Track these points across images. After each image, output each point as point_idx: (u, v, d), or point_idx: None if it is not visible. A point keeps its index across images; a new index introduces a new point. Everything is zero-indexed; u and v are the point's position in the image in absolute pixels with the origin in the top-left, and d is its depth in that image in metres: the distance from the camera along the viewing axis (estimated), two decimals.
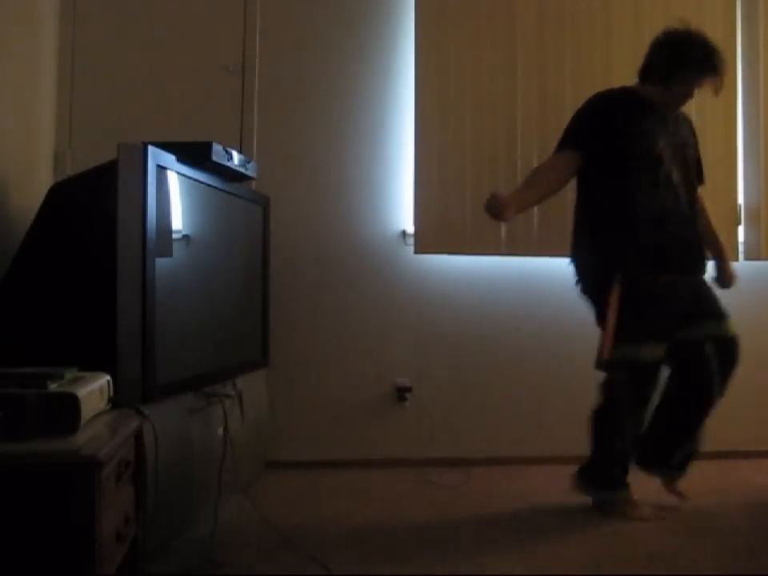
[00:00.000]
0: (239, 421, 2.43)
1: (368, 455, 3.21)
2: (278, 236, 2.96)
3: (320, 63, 3.26)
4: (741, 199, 3.42)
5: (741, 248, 3.41)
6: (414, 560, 2.16)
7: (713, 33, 3.37)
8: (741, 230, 3.42)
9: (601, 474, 2.61)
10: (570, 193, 3.28)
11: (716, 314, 2.63)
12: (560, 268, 3.30)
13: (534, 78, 3.28)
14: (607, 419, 2.57)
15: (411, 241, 3.23)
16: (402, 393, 3.26)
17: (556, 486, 2.88)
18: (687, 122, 2.73)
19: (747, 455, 3.34)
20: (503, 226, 3.26)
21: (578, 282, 2.62)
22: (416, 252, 3.22)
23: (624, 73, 3.30)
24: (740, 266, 3.39)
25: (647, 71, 2.58)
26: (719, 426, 3.38)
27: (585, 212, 2.63)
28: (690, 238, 2.60)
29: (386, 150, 3.29)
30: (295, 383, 3.19)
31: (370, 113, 3.28)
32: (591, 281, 2.58)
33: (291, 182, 3.21)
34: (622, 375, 2.50)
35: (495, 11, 3.29)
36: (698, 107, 3.36)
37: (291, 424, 3.17)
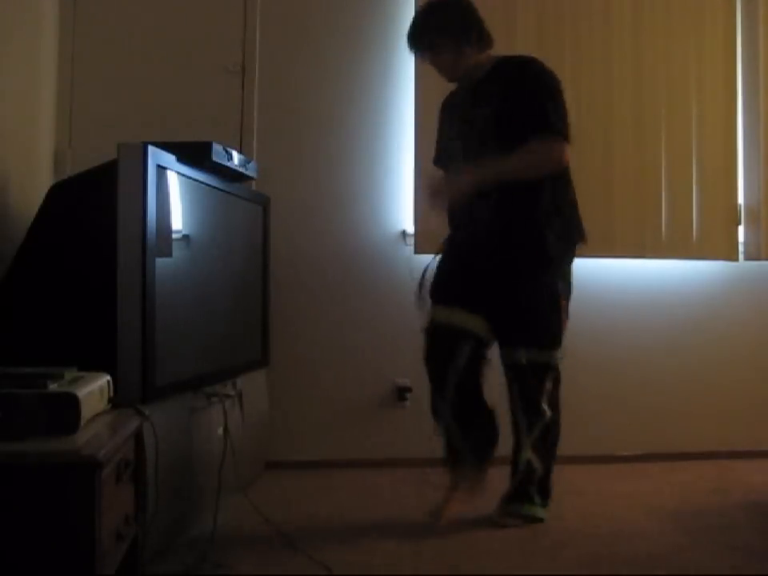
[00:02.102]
0: (239, 421, 2.43)
1: (368, 455, 3.21)
2: (277, 236, 2.96)
3: (320, 63, 3.26)
4: (741, 199, 3.42)
5: (741, 248, 3.41)
6: (414, 560, 2.16)
7: (713, 33, 3.41)
8: (741, 229, 3.42)
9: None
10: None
11: (517, 337, 2.46)
12: None
13: None
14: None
15: (411, 241, 3.23)
16: (402, 393, 3.26)
17: (556, 486, 2.88)
18: (500, 76, 2.42)
19: (747, 455, 3.34)
20: None
21: None
22: (416, 252, 3.22)
23: (624, 73, 3.32)
24: (740, 266, 3.40)
25: None
26: (719, 426, 3.39)
27: None
28: (472, 231, 2.47)
29: (386, 149, 3.29)
30: (295, 383, 3.19)
31: (370, 112, 3.29)
32: None
33: (291, 182, 3.21)
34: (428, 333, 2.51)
35: (495, 11, 3.29)
36: (698, 107, 3.37)
37: (291, 424, 3.17)
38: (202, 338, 2.28)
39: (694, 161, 3.36)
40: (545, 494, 2.49)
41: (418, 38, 2.49)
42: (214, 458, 2.20)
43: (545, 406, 2.48)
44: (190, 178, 2.18)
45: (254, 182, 2.86)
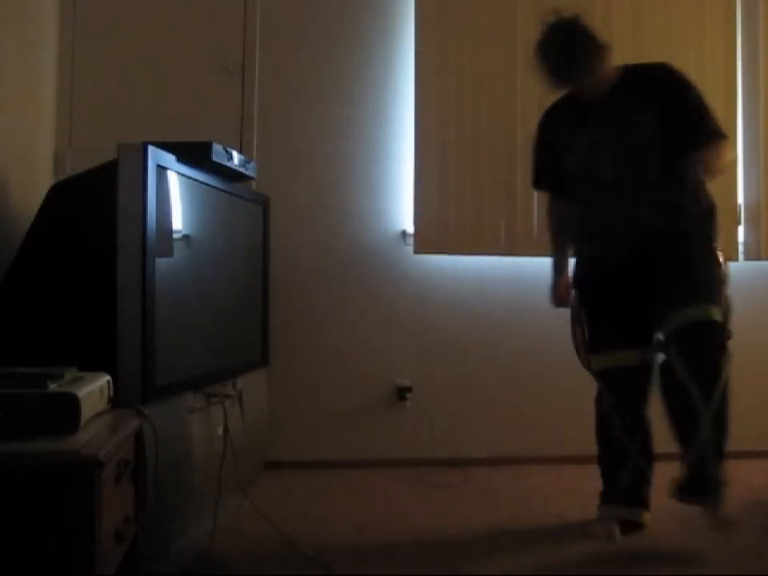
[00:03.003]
0: (239, 421, 2.43)
1: (368, 455, 3.21)
2: (278, 236, 2.96)
3: (320, 63, 3.26)
4: (741, 199, 3.42)
5: (741, 248, 3.40)
6: (414, 560, 2.17)
7: (713, 33, 3.41)
8: (741, 229, 3.42)
9: (611, 489, 2.42)
10: None
11: (681, 300, 2.20)
12: None
13: (533, 77, 3.27)
14: (599, 433, 2.47)
15: (411, 241, 3.24)
16: (402, 393, 3.26)
17: (556, 486, 2.88)
18: (648, 81, 2.36)
19: (747, 455, 3.34)
20: (503, 226, 3.26)
21: None
22: (416, 252, 3.22)
23: None
24: (740, 266, 3.40)
25: None
26: None
27: None
28: (632, 236, 2.34)
29: (386, 149, 3.29)
30: (295, 383, 3.19)
31: (370, 113, 3.29)
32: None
33: (291, 182, 3.21)
34: (599, 387, 2.46)
35: (495, 11, 3.29)
36: None
37: (291, 424, 3.17)
38: (202, 337, 2.28)
39: None
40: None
41: (578, 63, 2.29)
42: (214, 458, 2.20)
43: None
44: (189, 177, 2.18)
45: (253, 182, 2.86)
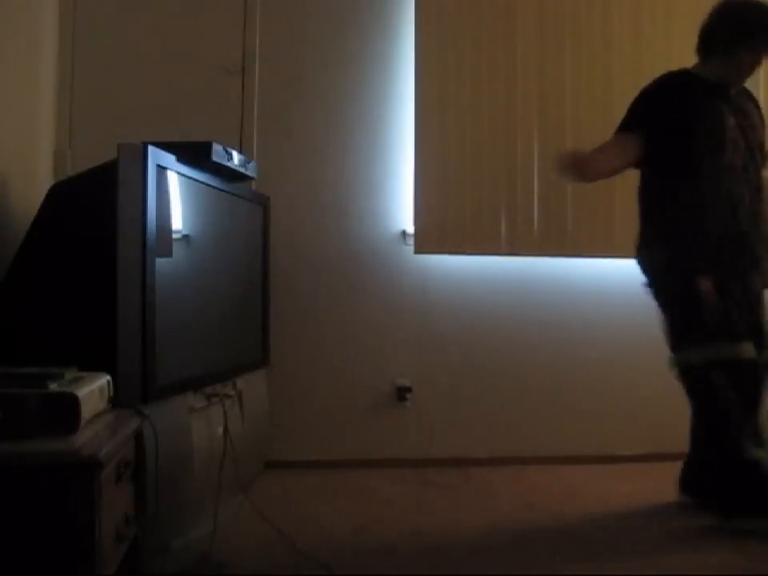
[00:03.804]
0: (239, 421, 2.43)
1: (368, 455, 3.21)
2: (277, 236, 2.96)
3: (320, 63, 3.26)
4: None
5: None
6: (414, 560, 2.16)
7: None
8: None
9: (741, 498, 2.28)
10: (570, 191, 3.30)
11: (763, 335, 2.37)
12: (560, 268, 3.31)
13: (533, 77, 3.29)
14: (720, 431, 2.30)
15: (411, 241, 3.24)
16: (402, 393, 3.26)
17: (556, 486, 2.88)
18: (752, 100, 2.58)
19: None
20: (503, 226, 3.26)
21: (649, 282, 2.45)
22: (416, 252, 3.22)
23: (624, 72, 3.32)
24: None
25: (708, 45, 2.46)
26: None
27: (650, 204, 2.49)
28: (753, 231, 2.41)
29: (386, 150, 3.29)
30: (295, 383, 3.19)
31: (370, 113, 3.28)
32: (666, 277, 2.40)
33: (291, 182, 3.21)
34: (721, 378, 2.26)
35: (495, 11, 3.29)
36: None
37: (291, 424, 3.17)
38: (202, 338, 2.28)
39: None
40: None
41: None
42: (214, 458, 2.20)
43: None
44: (190, 178, 2.18)
45: (253, 182, 2.86)
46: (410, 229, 3.25)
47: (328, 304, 3.25)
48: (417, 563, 2.14)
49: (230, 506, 2.39)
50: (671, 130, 2.38)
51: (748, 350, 2.29)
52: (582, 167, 2.33)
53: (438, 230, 3.22)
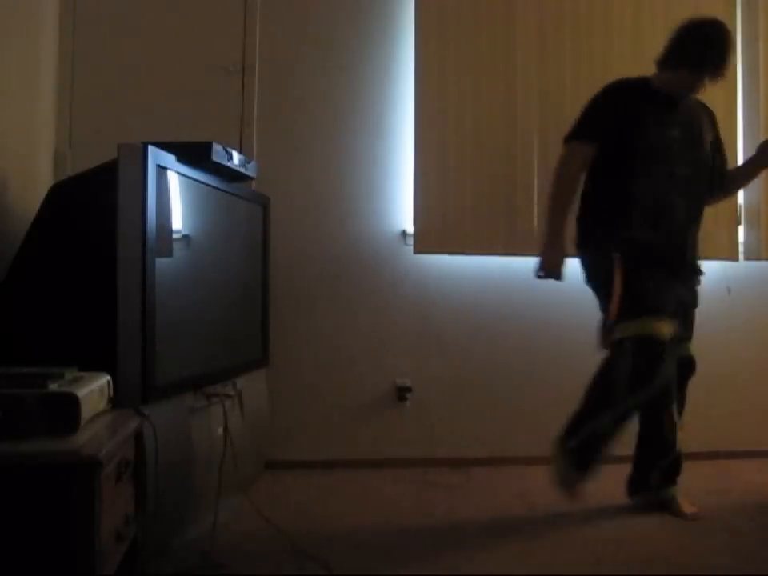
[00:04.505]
0: (239, 421, 2.43)
1: (368, 455, 3.21)
2: (277, 236, 2.96)
3: (320, 63, 3.26)
4: (741, 199, 3.42)
5: (741, 248, 3.40)
6: (414, 560, 2.16)
7: None
8: (741, 229, 3.42)
9: (576, 447, 2.47)
10: None
11: (687, 335, 2.64)
12: None
13: (533, 77, 3.29)
14: (604, 392, 2.46)
15: (411, 241, 3.23)
16: (402, 393, 3.26)
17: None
18: (709, 115, 2.68)
19: (747, 455, 3.34)
20: (503, 226, 3.26)
21: (586, 279, 2.61)
22: (416, 252, 3.22)
23: (624, 72, 3.30)
24: (740, 266, 3.40)
25: (662, 57, 2.55)
26: (719, 426, 3.39)
27: (586, 204, 2.62)
28: (682, 242, 2.58)
29: (386, 150, 3.29)
30: (295, 383, 3.19)
31: (370, 113, 3.28)
32: (593, 267, 2.57)
33: (291, 182, 3.21)
34: (627, 351, 2.40)
35: (495, 11, 3.29)
36: None
37: (291, 424, 3.17)
38: (202, 337, 2.28)
39: None
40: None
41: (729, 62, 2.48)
42: (214, 458, 2.20)
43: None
44: (190, 178, 2.18)
45: (253, 182, 2.86)
46: (410, 229, 3.25)
47: (328, 304, 3.25)
48: (417, 563, 2.14)
49: (230, 505, 2.39)
50: (612, 135, 2.50)
51: (658, 327, 2.39)
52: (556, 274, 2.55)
53: (438, 230, 3.22)
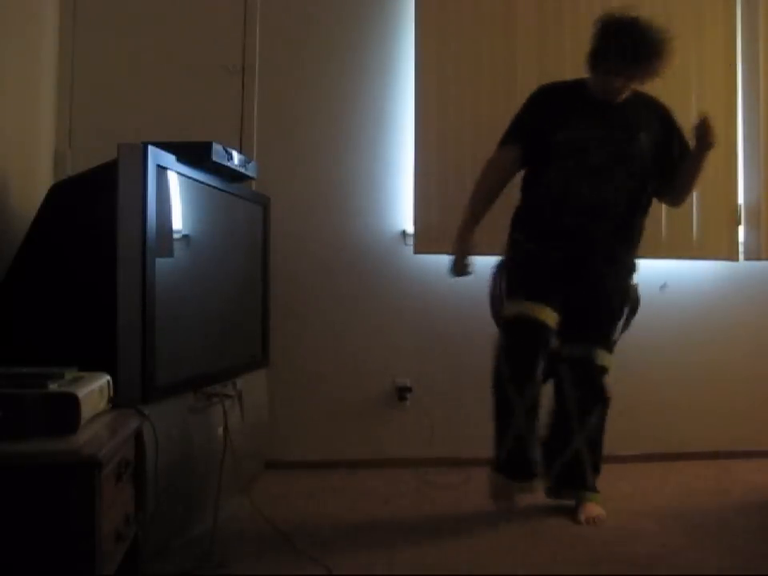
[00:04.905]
0: (239, 421, 2.43)
1: (368, 455, 3.21)
2: (277, 236, 2.96)
3: (320, 63, 3.26)
4: (741, 199, 3.42)
5: (741, 248, 3.40)
6: (414, 560, 2.16)
7: (713, 33, 3.41)
8: (741, 230, 3.42)
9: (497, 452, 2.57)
10: None
11: (594, 337, 2.57)
12: None
13: (533, 76, 3.27)
14: (493, 384, 2.59)
15: (411, 241, 3.23)
16: (402, 393, 3.26)
17: None
18: (656, 111, 2.59)
19: (747, 455, 3.34)
20: (503, 226, 3.25)
21: None
22: (416, 252, 3.22)
23: None
24: (740, 266, 3.40)
25: (587, 59, 2.53)
26: (719, 426, 3.39)
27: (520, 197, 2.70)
28: (593, 232, 2.50)
29: (386, 149, 3.29)
30: (295, 383, 3.19)
31: (369, 112, 3.28)
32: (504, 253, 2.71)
33: (291, 182, 3.21)
34: (501, 334, 2.56)
35: (495, 10, 3.29)
36: (698, 107, 3.36)
37: (291, 424, 3.17)
38: (202, 338, 2.28)
39: None
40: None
41: (652, 61, 2.43)
42: (214, 458, 2.20)
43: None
44: (190, 178, 2.18)
45: (253, 182, 2.86)
46: (410, 229, 3.25)
47: (328, 304, 3.25)
48: (416, 563, 2.14)
49: (230, 506, 2.39)
50: (536, 135, 2.54)
51: (534, 310, 2.46)
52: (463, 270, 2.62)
53: (437, 230, 3.22)
